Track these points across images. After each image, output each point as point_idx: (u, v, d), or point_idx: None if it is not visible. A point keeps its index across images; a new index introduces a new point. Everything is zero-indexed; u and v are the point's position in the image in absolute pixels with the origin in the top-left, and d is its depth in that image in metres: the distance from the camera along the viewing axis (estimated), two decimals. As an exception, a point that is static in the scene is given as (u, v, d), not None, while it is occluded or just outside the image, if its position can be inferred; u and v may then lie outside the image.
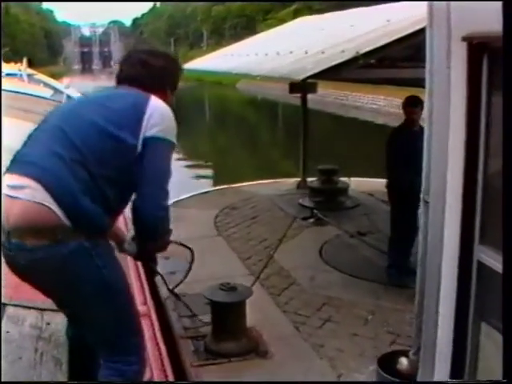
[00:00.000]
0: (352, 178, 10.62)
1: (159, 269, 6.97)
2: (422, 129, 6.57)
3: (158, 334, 5.13)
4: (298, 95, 10.46)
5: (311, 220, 8.93)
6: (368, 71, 4.58)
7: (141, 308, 5.25)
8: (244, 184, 11.45)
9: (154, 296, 6.03)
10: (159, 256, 7.24)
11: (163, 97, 2.94)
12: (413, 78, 4.87)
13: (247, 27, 66.19)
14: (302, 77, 4.21)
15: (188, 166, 20.37)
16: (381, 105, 32.02)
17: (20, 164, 2.69)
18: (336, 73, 4.33)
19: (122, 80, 3.03)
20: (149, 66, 2.99)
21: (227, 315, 4.98)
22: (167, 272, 6.90)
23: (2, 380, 3.39)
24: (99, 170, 2.66)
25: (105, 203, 2.71)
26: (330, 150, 17.07)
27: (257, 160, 21.24)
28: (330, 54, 4.79)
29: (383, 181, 12.15)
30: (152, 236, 3.08)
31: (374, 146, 22.26)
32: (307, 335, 5.37)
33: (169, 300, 6.05)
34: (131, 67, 3.02)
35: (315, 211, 9.05)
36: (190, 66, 8.99)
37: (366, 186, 10.92)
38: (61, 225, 2.58)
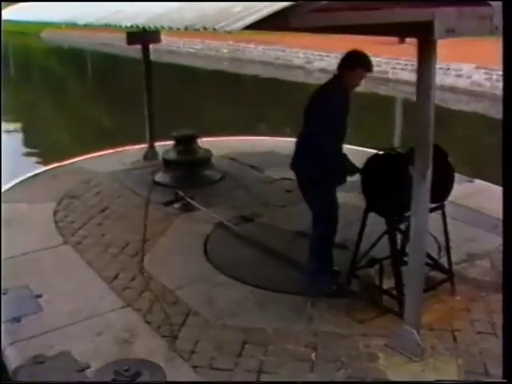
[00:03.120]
0: (203, 139, 8.77)
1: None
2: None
3: None
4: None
5: (176, 205, 7.14)
6: (330, 16, 2.84)
7: None
8: (78, 159, 9.21)
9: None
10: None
11: None
12: (389, 24, 3.22)
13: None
14: (234, 27, 2.39)
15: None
16: (198, 48, 30.26)
17: None
18: (283, 20, 2.52)
19: None
20: None
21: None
22: (8, 319, 4.84)
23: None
24: None
25: None
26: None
27: (73, 116, 18.53)
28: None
29: (239, 139, 10.76)
30: None
31: (200, 92, 20.72)
32: (242, 406, 3.71)
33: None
34: None
35: (180, 193, 7.26)
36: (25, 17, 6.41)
37: (222, 147, 9.24)
38: None
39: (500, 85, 17.14)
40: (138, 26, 3.28)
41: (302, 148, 4.83)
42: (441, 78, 16.31)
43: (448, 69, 17.80)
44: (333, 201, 4.86)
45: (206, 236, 6.18)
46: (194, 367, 4.05)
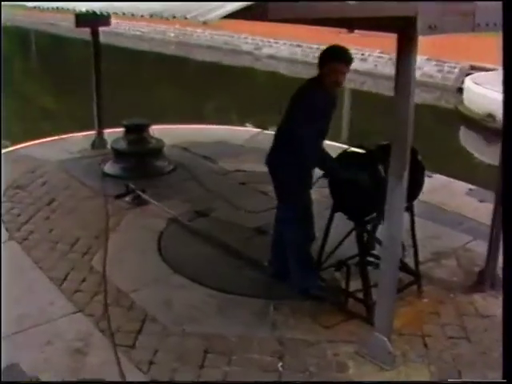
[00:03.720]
0: (153, 127, 8.38)
1: None
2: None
3: None
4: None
5: (128, 198, 6.79)
6: (309, 8, 2.61)
7: None
8: (22, 146, 8.74)
9: None
10: None
11: None
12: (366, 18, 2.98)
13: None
14: (209, 17, 2.13)
15: None
16: (144, 31, 29.60)
17: None
18: (261, 11, 2.27)
19: None
20: None
21: None
22: None
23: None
24: None
25: None
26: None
27: (16, 100, 17.77)
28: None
29: (191, 127, 10.40)
30: None
31: (148, 77, 20.20)
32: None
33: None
34: None
35: (131, 185, 6.91)
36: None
37: (173, 136, 8.88)
38: None
39: (451, 76, 17.18)
40: (95, 12, 2.94)
41: (281, 144, 4.48)
42: (391, 69, 16.27)
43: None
44: (309, 200, 4.60)
45: (159, 232, 5.88)
46: (154, 380, 3.78)
